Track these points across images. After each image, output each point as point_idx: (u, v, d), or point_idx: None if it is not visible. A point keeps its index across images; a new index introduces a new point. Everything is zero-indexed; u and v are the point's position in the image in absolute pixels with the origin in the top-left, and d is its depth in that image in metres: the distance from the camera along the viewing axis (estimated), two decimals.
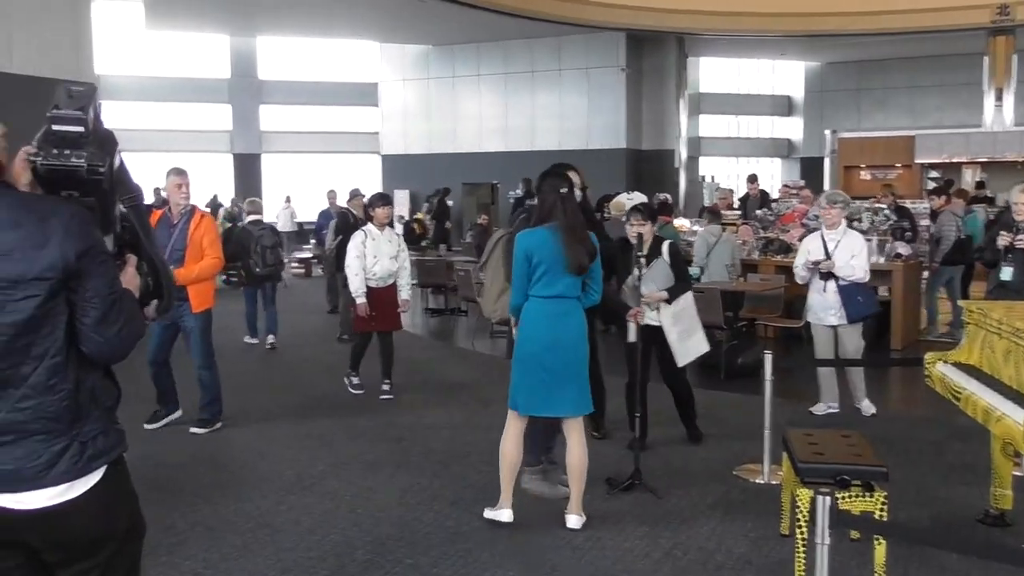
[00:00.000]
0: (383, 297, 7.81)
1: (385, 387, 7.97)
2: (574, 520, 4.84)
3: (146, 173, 21.87)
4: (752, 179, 15.14)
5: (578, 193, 5.62)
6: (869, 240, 10.19)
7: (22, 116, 9.73)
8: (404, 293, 7.91)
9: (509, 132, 25.21)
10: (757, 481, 5.63)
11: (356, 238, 7.87)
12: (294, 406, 7.69)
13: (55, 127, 2.19)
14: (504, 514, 4.88)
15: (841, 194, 7.62)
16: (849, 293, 6.95)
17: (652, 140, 24.81)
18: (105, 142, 2.26)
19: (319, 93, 27.12)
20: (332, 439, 6.61)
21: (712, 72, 28.14)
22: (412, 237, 21.20)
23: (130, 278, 2.36)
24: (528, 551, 4.58)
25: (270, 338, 10.63)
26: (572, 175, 5.33)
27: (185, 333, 6.73)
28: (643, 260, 5.91)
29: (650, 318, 6.14)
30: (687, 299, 6.28)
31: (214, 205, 20.32)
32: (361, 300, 7.68)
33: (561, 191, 4.75)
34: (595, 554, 4.55)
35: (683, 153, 25.02)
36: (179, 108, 25.89)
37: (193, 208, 6.86)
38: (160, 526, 4.86)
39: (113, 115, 24.39)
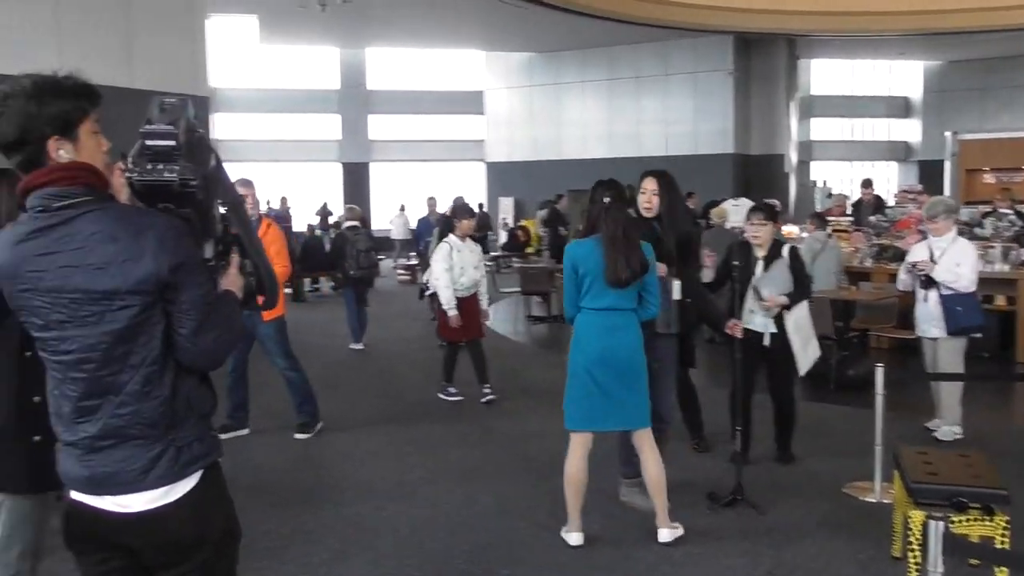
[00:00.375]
0: (467, 307, 7.96)
1: (486, 390, 8.04)
2: (665, 534, 4.73)
3: (260, 183, 22.59)
4: (866, 184, 14.61)
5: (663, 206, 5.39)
6: (991, 248, 9.68)
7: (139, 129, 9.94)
8: (484, 303, 8.12)
9: (614, 138, 25.05)
10: (867, 499, 5.40)
11: (442, 250, 8.01)
12: (394, 412, 7.76)
13: (148, 142, 2.23)
14: (572, 537, 4.73)
15: (943, 203, 7.09)
16: (950, 303, 6.56)
17: (761, 144, 24.28)
18: (199, 150, 2.30)
19: (425, 102, 27.51)
20: (431, 445, 6.64)
21: (824, 73, 27.36)
22: (515, 244, 21.27)
23: (232, 278, 2.40)
24: (625, 566, 4.48)
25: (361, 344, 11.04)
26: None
27: (260, 342, 6.85)
28: (762, 262, 5.87)
29: (756, 325, 5.95)
30: (804, 305, 6.09)
31: (323, 213, 20.79)
32: (453, 312, 7.79)
33: (605, 200, 4.62)
34: (692, 570, 4.43)
35: (793, 157, 24.41)
36: (290, 119, 26.65)
37: (260, 218, 6.96)
38: (260, 530, 4.96)
39: (227, 127, 25.31)
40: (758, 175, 23.44)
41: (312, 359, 10.35)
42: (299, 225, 20.08)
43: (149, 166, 2.21)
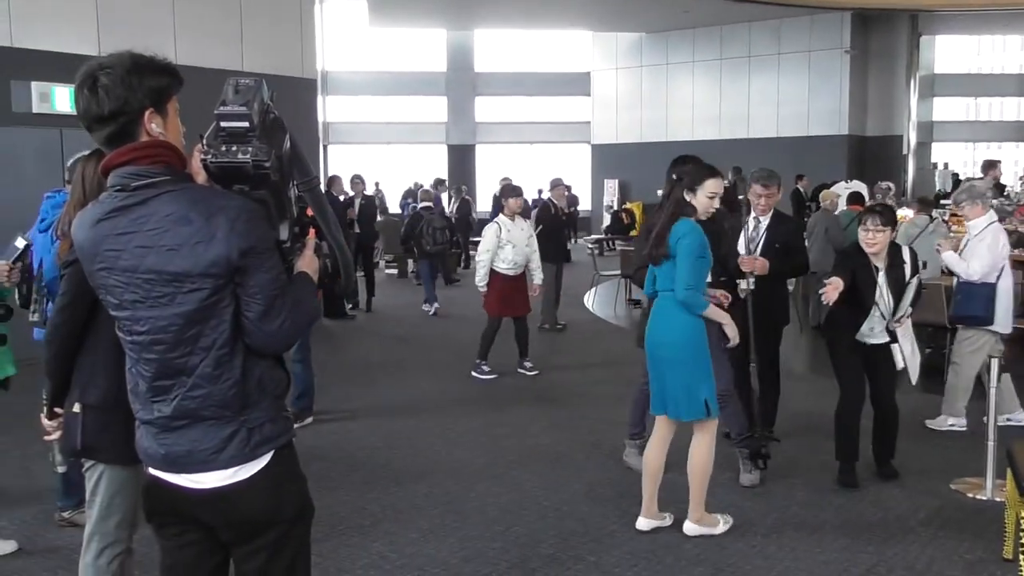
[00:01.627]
0: (516, 284, 8.25)
1: (528, 364, 8.37)
2: (689, 527, 4.57)
3: (369, 165, 22.96)
4: (990, 165, 13.84)
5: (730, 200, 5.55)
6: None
7: None
8: (536, 279, 8.37)
9: (723, 119, 24.49)
10: (978, 497, 5.12)
11: (491, 230, 8.21)
12: (487, 394, 7.77)
13: (222, 123, 2.23)
14: (640, 522, 4.66)
15: (967, 189, 6.75)
16: (958, 291, 6.42)
17: (878, 125, 23.37)
18: (273, 132, 2.30)
19: (532, 84, 27.44)
20: (523, 428, 6.61)
21: (948, 51, 26.10)
22: (620, 227, 21.06)
23: (308, 260, 2.40)
24: (718, 557, 4.37)
25: (435, 306, 11.78)
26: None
27: None
28: (883, 273, 5.25)
29: (874, 338, 5.33)
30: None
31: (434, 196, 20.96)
32: (483, 289, 8.15)
33: (673, 177, 4.67)
34: (788, 564, 4.28)
35: (912, 139, 23.38)
36: (398, 102, 26.96)
37: None
38: (350, 507, 5.04)
39: (337, 109, 25.80)
40: (874, 157, 22.57)
41: (410, 338, 10.48)
42: (397, 207, 20.34)
43: (223, 148, 2.21)
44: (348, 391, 7.87)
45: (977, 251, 6.27)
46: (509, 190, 8.62)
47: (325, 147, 24.47)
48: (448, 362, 9.08)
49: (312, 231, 2.48)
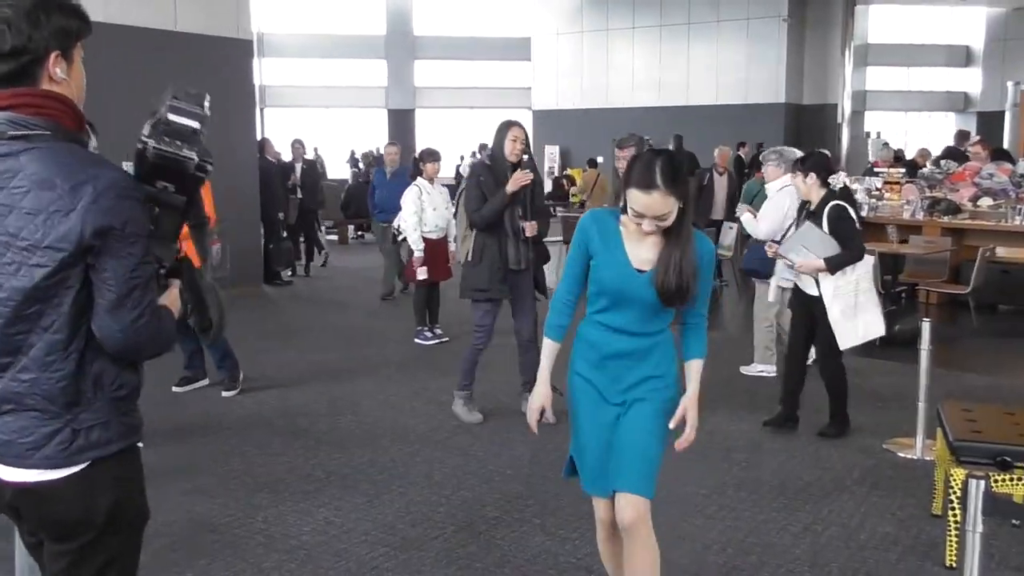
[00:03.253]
0: (437, 248, 8.30)
1: (438, 331, 8.50)
2: None
3: (305, 129, 22.61)
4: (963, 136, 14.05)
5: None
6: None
7: (186, 74, 10.19)
8: (453, 245, 8.21)
9: (663, 86, 24.60)
10: (909, 456, 5.29)
11: (411, 193, 8.23)
12: (430, 358, 7.77)
13: (172, 116, 2.12)
14: None
15: (774, 151, 7.28)
16: (748, 247, 7.46)
17: (814, 94, 23.70)
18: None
19: (472, 48, 27.24)
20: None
21: (882, 20, 26.50)
22: (560, 193, 21.09)
23: (173, 299, 2.24)
24: (656, 518, 4.43)
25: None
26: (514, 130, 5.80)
27: None
28: (796, 221, 5.66)
29: (805, 285, 5.65)
30: (855, 271, 5.44)
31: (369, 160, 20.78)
32: (419, 255, 8.12)
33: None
34: (728, 524, 4.38)
35: (847, 108, 23.78)
36: (337, 65, 26.56)
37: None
38: (297, 473, 5.02)
39: (273, 72, 25.30)
40: (810, 125, 22.91)
41: (351, 304, 10.41)
42: (336, 172, 20.10)
43: (166, 139, 2.09)
44: (288, 356, 7.80)
45: (766, 212, 6.85)
46: (428, 154, 8.60)
47: (261, 110, 24.01)
48: (391, 327, 9.04)
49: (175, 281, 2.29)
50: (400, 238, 8.66)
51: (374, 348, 8.18)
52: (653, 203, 2.85)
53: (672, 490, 4.72)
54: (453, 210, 8.07)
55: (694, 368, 3.19)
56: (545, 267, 6.42)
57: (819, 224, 5.46)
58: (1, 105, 1.99)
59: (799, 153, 6.91)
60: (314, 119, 25.50)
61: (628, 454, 3.08)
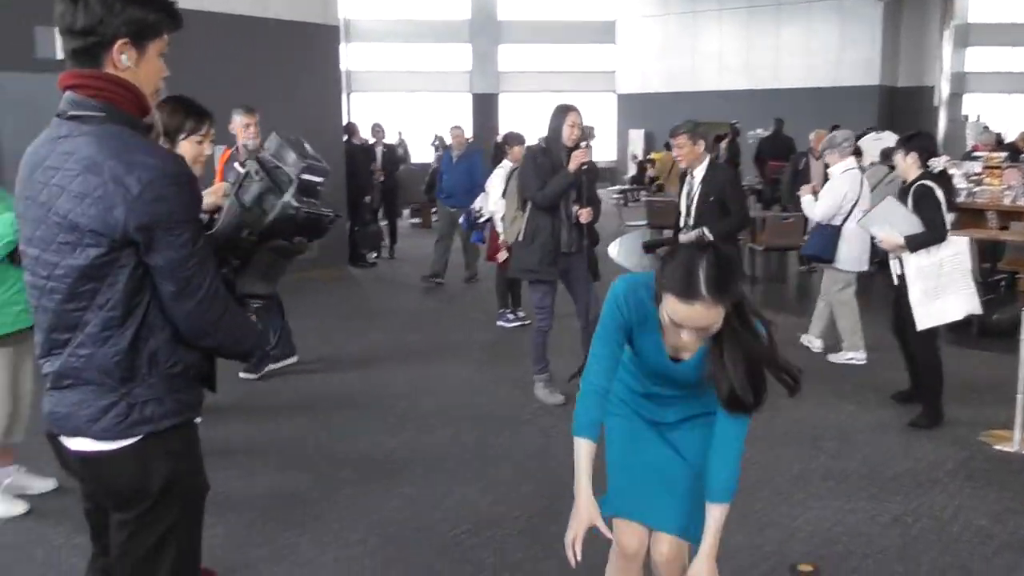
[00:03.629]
0: None
1: (520, 313, 8.39)
2: None
3: (390, 113, 22.78)
4: None
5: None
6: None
7: (276, 60, 10.37)
8: (500, 226, 8.17)
9: (752, 69, 24.12)
10: (1005, 449, 5.10)
11: (498, 176, 8.17)
12: (512, 341, 7.78)
13: (305, 176, 2.23)
14: None
15: (831, 138, 7.20)
16: (810, 232, 7.42)
17: (910, 76, 22.95)
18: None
19: (557, 32, 27.09)
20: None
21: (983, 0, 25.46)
22: (643, 178, 20.89)
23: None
24: (743, 505, 4.37)
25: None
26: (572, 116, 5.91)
27: None
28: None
29: (896, 267, 5.61)
30: (940, 252, 5.33)
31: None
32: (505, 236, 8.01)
33: None
34: (814, 512, 4.29)
35: (945, 90, 22.96)
36: (422, 49, 26.72)
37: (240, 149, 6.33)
38: (382, 451, 5.10)
39: (358, 57, 25.60)
40: (904, 108, 22.20)
41: (434, 286, 10.49)
42: (420, 157, 20.21)
43: (306, 199, 2.25)
44: (372, 337, 7.92)
45: (824, 194, 6.91)
46: (513, 138, 8.55)
47: (347, 95, 24.34)
48: (474, 309, 9.10)
49: None
50: (482, 220, 8.69)
51: (457, 330, 8.24)
52: (695, 315, 2.28)
53: (759, 477, 4.66)
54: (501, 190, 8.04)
55: (714, 516, 2.55)
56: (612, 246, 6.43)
57: (906, 203, 5.39)
58: (65, 84, 2.06)
59: (843, 135, 7.11)
60: (399, 104, 25.73)
61: (676, 493, 2.67)
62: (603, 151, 24.68)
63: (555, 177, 5.72)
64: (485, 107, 27.00)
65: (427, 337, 7.96)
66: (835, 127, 18.14)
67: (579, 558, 2.46)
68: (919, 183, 5.39)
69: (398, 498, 4.46)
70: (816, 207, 6.88)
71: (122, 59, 2.04)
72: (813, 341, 7.24)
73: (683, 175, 6.52)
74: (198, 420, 2.28)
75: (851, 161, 7.02)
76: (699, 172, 6.18)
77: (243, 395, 6.11)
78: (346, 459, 4.95)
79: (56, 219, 2.01)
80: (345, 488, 4.58)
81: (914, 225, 5.33)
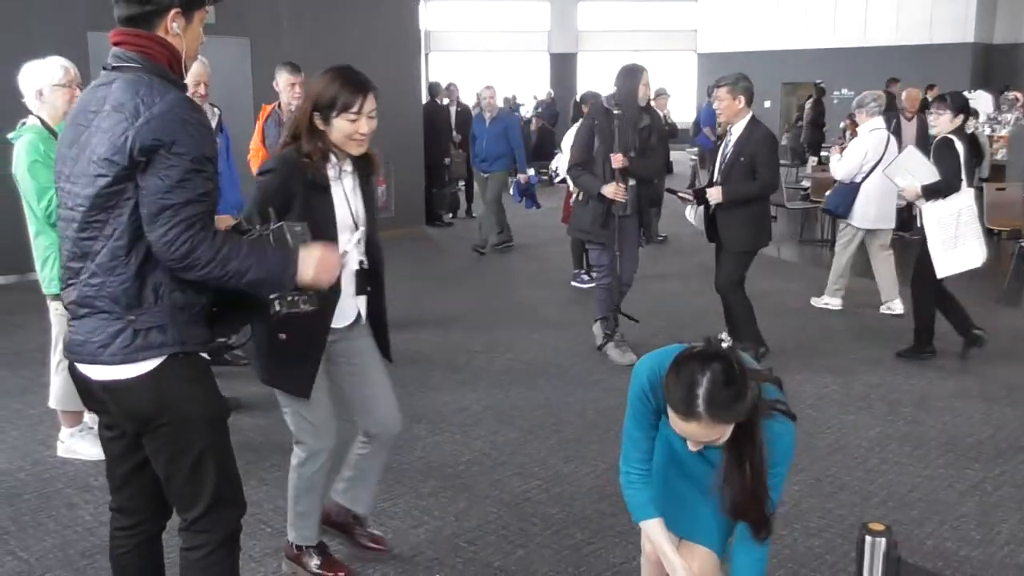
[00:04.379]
0: None
1: (595, 274, 8.08)
2: None
3: (469, 73, 22.80)
4: None
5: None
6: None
7: (355, 20, 10.33)
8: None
9: (839, 26, 23.37)
10: None
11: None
12: (586, 301, 7.78)
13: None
14: None
15: (860, 98, 7.38)
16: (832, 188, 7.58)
17: (1007, 32, 21.95)
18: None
19: None
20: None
21: None
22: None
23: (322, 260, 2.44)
24: (818, 469, 4.35)
25: None
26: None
27: None
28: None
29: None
30: (958, 202, 5.68)
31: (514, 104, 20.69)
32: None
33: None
34: (890, 479, 4.23)
35: None
36: (499, 7, 26.57)
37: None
38: (455, 407, 5.19)
39: (436, 16, 25.58)
40: (1000, 66, 21.29)
41: (530, 248, 10.54)
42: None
43: (291, 297, 2.40)
44: (448, 295, 8.01)
45: (847, 153, 7.21)
46: (591, 97, 8.45)
47: (426, 55, 24.40)
48: (548, 269, 9.12)
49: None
50: (558, 179, 8.67)
51: (532, 289, 8.28)
52: (695, 432, 2.21)
53: (833, 441, 4.62)
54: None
55: None
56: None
57: (928, 155, 5.89)
58: (112, 40, 2.26)
59: (872, 95, 7.31)
60: (475, 62, 25.69)
61: (711, 504, 2.49)
62: (682, 111, 24.30)
63: (592, 179, 5.82)
64: (563, 67, 26.77)
65: (501, 297, 8.02)
66: (930, 87, 17.59)
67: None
68: (942, 136, 5.75)
69: (471, 452, 4.54)
70: (839, 165, 7.21)
71: (173, 27, 2.26)
72: (892, 306, 7.12)
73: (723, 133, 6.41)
74: (205, 355, 2.41)
75: (878, 121, 7.24)
76: (736, 129, 5.87)
77: None
78: (421, 414, 5.05)
79: (87, 154, 2.19)
80: (419, 442, 4.67)
81: (933, 175, 5.73)
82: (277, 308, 2.40)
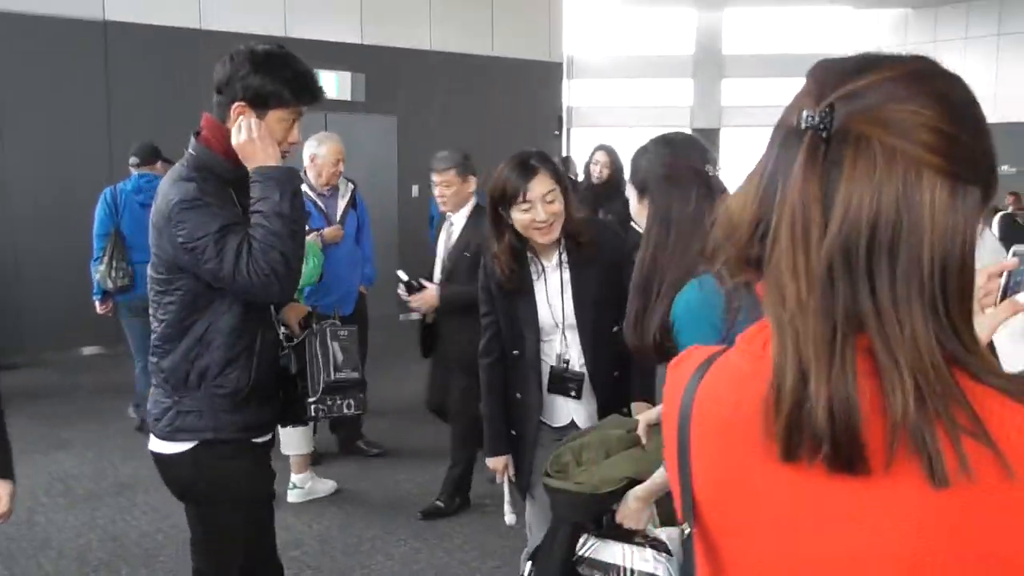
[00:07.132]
0: None
1: None
2: None
3: (617, 148, 22.92)
4: None
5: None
6: None
7: (502, 95, 10.61)
8: None
9: (1000, 101, 22.40)
10: None
11: None
12: None
13: (338, 375, 2.51)
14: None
15: None
16: None
17: None
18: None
19: (784, 64, 26.25)
20: None
21: None
22: None
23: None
24: None
25: None
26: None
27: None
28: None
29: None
30: None
31: None
32: None
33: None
34: None
35: None
36: (643, 84, 26.76)
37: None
38: None
39: (581, 93, 25.97)
40: None
41: None
42: None
43: (330, 401, 2.49)
44: None
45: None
46: None
47: (568, 131, 24.76)
48: None
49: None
50: None
51: None
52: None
53: None
54: None
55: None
56: None
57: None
58: (198, 130, 2.40)
59: None
60: (620, 138, 25.83)
61: None
62: None
63: None
64: (706, 141, 26.57)
65: None
66: None
67: None
68: (1003, 214, 5.77)
69: None
70: None
71: (231, 119, 2.35)
72: None
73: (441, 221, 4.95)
74: (260, 440, 2.49)
75: None
76: (459, 219, 4.74)
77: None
78: None
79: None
80: None
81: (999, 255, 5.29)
82: (312, 413, 2.51)
